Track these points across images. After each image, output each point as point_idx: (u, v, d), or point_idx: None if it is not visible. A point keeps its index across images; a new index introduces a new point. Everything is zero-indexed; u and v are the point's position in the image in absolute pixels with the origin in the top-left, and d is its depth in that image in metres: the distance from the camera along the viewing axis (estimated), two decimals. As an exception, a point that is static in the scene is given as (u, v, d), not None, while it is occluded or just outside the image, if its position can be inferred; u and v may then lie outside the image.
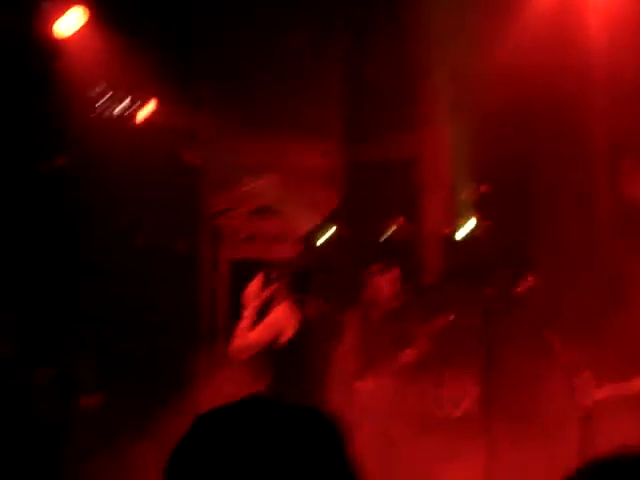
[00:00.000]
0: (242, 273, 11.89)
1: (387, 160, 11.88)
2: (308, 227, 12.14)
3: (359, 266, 9.84)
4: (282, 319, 7.50)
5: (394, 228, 11.38)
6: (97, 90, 10.48)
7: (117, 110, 10.62)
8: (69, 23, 9.39)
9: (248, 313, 7.53)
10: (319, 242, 11.82)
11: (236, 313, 11.51)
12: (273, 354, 7.46)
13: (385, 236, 11.24)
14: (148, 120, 10.80)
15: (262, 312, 7.70)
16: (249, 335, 7.42)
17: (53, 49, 9.59)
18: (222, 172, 12.02)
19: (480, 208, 10.69)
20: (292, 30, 11.50)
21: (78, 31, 9.51)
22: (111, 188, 10.39)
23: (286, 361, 7.43)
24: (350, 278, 9.76)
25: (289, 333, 7.47)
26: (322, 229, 11.94)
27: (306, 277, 7.79)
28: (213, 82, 11.82)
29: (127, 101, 10.67)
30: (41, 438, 4.43)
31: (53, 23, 9.36)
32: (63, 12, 9.35)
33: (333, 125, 12.13)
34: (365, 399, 8.46)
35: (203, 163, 11.77)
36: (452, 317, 9.05)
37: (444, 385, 9.18)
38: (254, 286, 7.67)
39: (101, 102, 10.51)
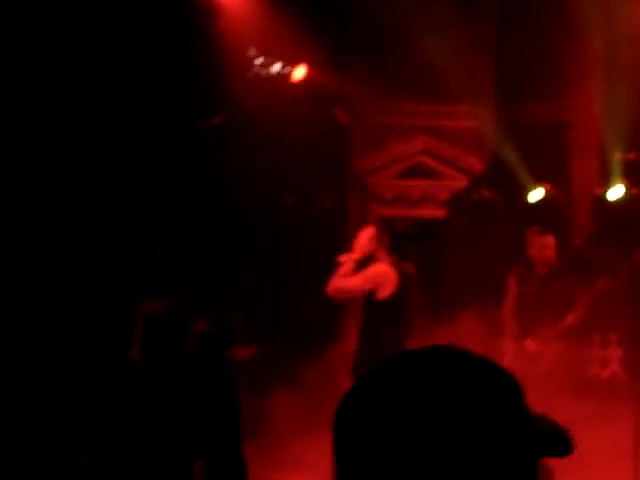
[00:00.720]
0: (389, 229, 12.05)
1: (538, 123, 11.79)
2: (456, 189, 12.18)
3: (510, 229, 9.90)
4: (382, 274, 7.67)
5: (544, 191, 11.30)
6: (254, 51, 10.70)
7: (272, 71, 10.82)
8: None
9: (351, 259, 7.69)
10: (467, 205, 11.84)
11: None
12: (371, 306, 7.66)
13: (535, 199, 11.17)
14: (301, 82, 10.97)
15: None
16: (350, 279, 7.61)
17: (214, 8, 9.82)
18: (371, 133, 12.13)
19: (628, 175, 10.58)
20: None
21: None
22: (265, 147, 10.62)
23: (381, 315, 7.61)
24: (506, 240, 9.82)
25: (387, 290, 7.63)
26: (470, 192, 11.95)
27: (407, 241, 7.89)
28: (366, 45, 11.91)
29: (282, 63, 10.86)
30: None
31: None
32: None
33: (484, 88, 12.09)
34: (525, 359, 8.54)
35: (353, 123, 11.90)
36: (608, 281, 9.04)
37: (592, 348, 9.16)
38: (364, 238, 7.81)
39: (257, 63, 10.72)
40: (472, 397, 1.33)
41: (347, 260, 7.77)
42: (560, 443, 3.34)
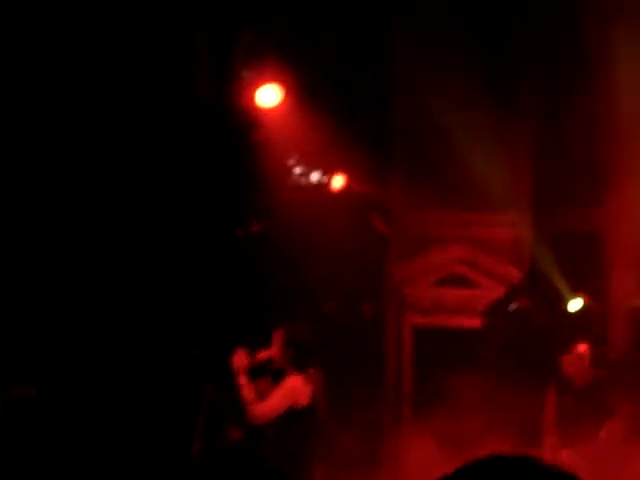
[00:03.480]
0: (425, 339, 12.06)
1: (575, 231, 11.83)
2: (493, 299, 12.18)
3: (546, 340, 9.87)
4: (298, 388, 7.62)
5: (580, 302, 11.29)
6: (293, 160, 10.88)
7: (311, 180, 10.97)
8: (269, 95, 9.78)
9: (244, 381, 7.61)
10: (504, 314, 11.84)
11: (420, 376, 11.71)
12: (289, 419, 7.61)
13: (574, 309, 11.16)
14: (340, 190, 11.12)
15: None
16: (270, 401, 7.54)
17: (255, 120, 10.01)
18: (409, 241, 12.22)
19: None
20: (483, 104, 11.66)
21: (277, 103, 9.89)
22: (304, 255, 10.70)
23: (297, 427, 7.57)
24: (539, 352, 9.78)
25: (303, 402, 7.61)
26: (507, 301, 11.95)
27: (307, 352, 7.82)
28: (404, 155, 12.09)
29: (321, 172, 11.02)
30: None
31: (253, 95, 9.77)
32: (263, 84, 9.73)
33: (521, 196, 12.18)
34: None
35: (391, 232, 12.00)
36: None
37: (633, 460, 9.01)
38: (240, 358, 7.75)
39: (297, 172, 10.89)
40: None
41: (243, 385, 7.72)
42: None
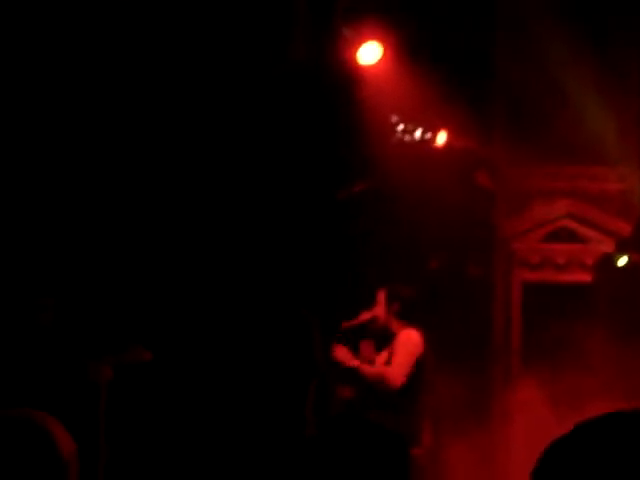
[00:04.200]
0: (535, 295, 11.90)
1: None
2: (601, 254, 11.96)
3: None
4: (416, 340, 7.47)
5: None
6: (396, 118, 10.78)
7: (415, 137, 10.88)
8: (371, 53, 9.70)
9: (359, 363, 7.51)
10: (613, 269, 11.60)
11: (529, 333, 11.58)
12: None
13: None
14: (444, 147, 11.00)
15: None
16: (399, 359, 7.38)
17: (357, 77, 9.95)
18: (515, 197, 12.05)
19: None
20: (589, 56, 11.40)
21: (378, 61, 9.80)
22: (407, 213, 10.64)
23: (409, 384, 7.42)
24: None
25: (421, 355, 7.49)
26: (615, 256, 11.71)
27: (412, 307, 7.65)
28: (507, 109, 11.90)
29: (424, 129, 10.91)
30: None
31: (354, 53, 9.70)
32: (365, 41, 9.66)
33: (630, 149, 11.90)
34: None
35: (497, 188, 11.84)
36: None
37: None
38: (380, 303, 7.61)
39: (400, 129, 10.80)
40: None
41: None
42: None
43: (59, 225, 8.68)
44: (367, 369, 7.42)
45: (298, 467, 4.78)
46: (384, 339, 7.73)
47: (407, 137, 10.84)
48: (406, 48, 10.07)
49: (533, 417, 8.85)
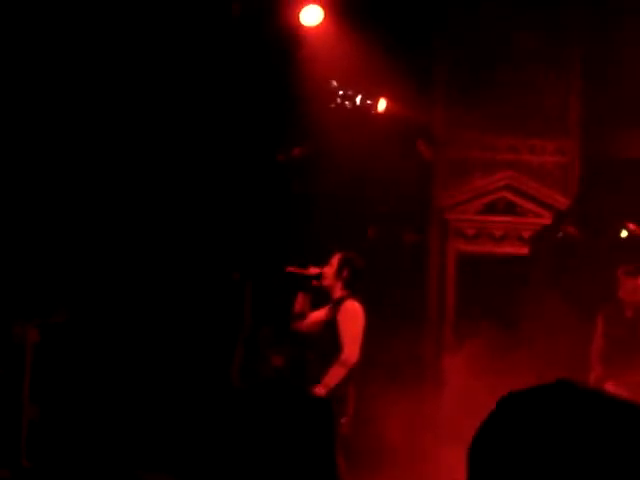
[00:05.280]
0: (470, 266, 11.88)
1: (625, 157, 11.54)
2: (538, 226, 11.97)
3: (596, 268, 9.66)
4: (362, 315, 7.57)
5: (629, 230, 11.03)
6: (336, 83, 10.66)
7: (354, 103, 10.77)
8: (312, 14, 9.57)
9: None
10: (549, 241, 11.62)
11: (462, 303, 11.59)
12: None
13: (622, 237, 10.90)
14: (384, 113, 10.90)
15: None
16: (356, 337, 7.48)
17: (296, 38, 9.81)
18: (454, 167, 12.00)
19: None
20: (531, 27, 11.36)
21: (320, 24, 9.67)
22: (345, 179, 10.54)
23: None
24: (588, 281, 9.59)
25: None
26: (554, 228, 11.71)
27: (360, 278, 7.74)
28: (448, 78, 11.83)
29: (364, 95, 10.80)
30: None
31: (297, 14, 9.57)
32: (306, 3, 9.54)
33: (570, 121, 11.89)
34: None
35: (435, 156, 11.78)
36: None
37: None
38: (332, 266, 7.68)
39: (339, 95, 10.68)
40: (619, 435, 1.31)
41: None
42: None
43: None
44: (332, 380, 7.44)
45: (221, 425, 4.71)
46: (319, 298, 7.78)
47: (347, 103, 10.73)
48: (348, 12, 9.94)
49: (464, 386, 8.83)
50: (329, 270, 7.69)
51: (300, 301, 7.80)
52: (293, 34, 9.72)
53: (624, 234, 10.92)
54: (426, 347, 11.23)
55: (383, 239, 11.28)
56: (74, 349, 8.17)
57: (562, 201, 11.93)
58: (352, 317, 7.51)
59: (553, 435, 1.30)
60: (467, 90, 11.62)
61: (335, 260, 7.74)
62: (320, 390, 7.19)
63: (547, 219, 11.88)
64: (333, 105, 10.74)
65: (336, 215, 10.62)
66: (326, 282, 7.67)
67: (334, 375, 7.41)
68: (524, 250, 11.87)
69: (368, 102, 10.86)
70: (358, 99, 10.77)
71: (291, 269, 7.76)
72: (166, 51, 9.20)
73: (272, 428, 4.62)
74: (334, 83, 10.76)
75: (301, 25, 9.59)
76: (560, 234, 11.37)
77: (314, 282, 7.69)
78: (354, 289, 7.65)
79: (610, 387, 8.59)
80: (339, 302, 7.61)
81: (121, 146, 9.20)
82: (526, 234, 12.00)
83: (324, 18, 9.67)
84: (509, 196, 12.06)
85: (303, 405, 4.56)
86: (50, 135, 8.78)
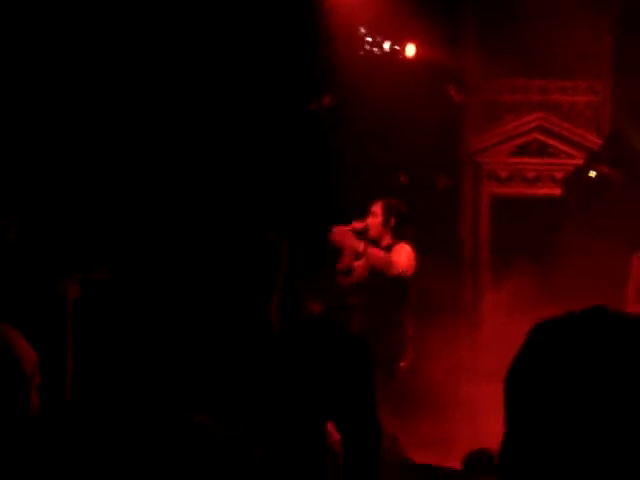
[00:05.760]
0: (503, 208, 11.90)
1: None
2: (571, 167, 11.93)
3: (631, 207, 9.65)
4: (413, 256, 7.54)
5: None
6: (364, 29, 10.64)
7: (383, 49, 10.74)
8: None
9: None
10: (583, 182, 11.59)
11: (497, 245, 11.61)
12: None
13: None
14: (413, 59, 10.88)
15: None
16: (407, 256, 7.44)
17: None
18: (485, 110, 11.97)
19: None
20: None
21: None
22: (376, 126, 10.55)
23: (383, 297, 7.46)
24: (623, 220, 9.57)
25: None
26: (587, 168, 11.68)
27: (406, 223, 7.67)
28: (477, 21, 11.77)
29: (392, 41, 10.78)
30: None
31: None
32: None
33: (601, 62, 11.81)
34: None
35: (466, 100, 11.74)
36: None
37: None
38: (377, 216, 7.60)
39: (368, 41, 10.66)
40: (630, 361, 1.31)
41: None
42: None
43: (26, 147, 8.62)
44: (375, 251, 7.40)
45: (265, 368, 4.83)
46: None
47: (376, 49, 10.71)
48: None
49: (501, 326, 8.90)
50: (374, 220, 7.58)
51: (346, 256, 7.70)
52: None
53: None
54: (464, 289, 11.29)
55: (416, 185, 11.30)
56: (115, 306, 8.30)
57: (595, 141, 11.89)
58: (406, 255, 7.51)
59: (588, 362, 1.31)
60: (496, 32, 11.55)
61: (379, 209, 7.64)
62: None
63: (580, 159, 11.84)
64: (361, 52, 10.72)
65: (369, 163, 10.65)
66: (373, 233, 7.57)
67: (377, 256, 7.34)
68: (558, 191, 11.87)
69: (396, 48, 10.84)
70: (387, 45, 10.75)
71: (335, 227, 7.67)
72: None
73: (313, 365, 4.73)
74: (362, 30, 10.74)
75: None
76: (594, 174, 11.34)
77: (361, 236, 7.59)
78: (402, 235, 7.60)
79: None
80: (389, 248, 7.58)
81: (152, 106, 9.26)
82: (559, 175, 11.98)
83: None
84: (541, 137, 12.03)
85: (342, 343, 4.66)
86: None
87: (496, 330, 9.07)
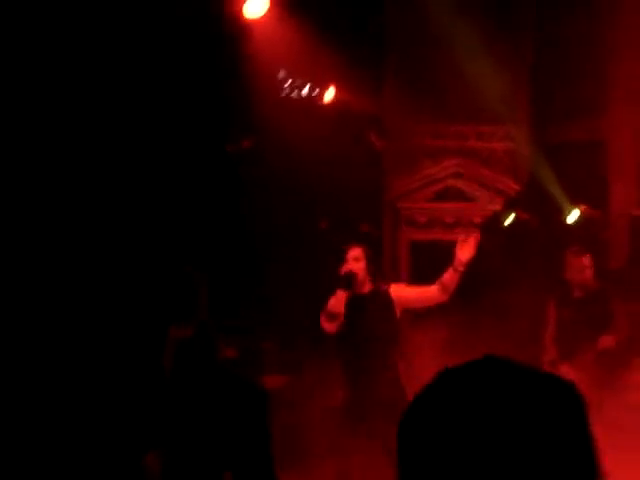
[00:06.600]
0: (422, 253, 11.93)
1: (574, 143, 11.63)
2: (489, 212, 12.03)
3: (546, 251, 9.72)
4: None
5: (580, 212, 11.12)
6: (282, 74, 10.63)
7: (302, 93, 10.75)
8: (256, 6, 9.51)
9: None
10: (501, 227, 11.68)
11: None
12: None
13: (572, 220, 10.99)
14: (332, 104, 10.89)
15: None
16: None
17: (241, 32, 9.76)
18: (404, 156, 12.03)
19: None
20: (479, 15, 11.40)
21: (264, 15, 9.62)
22: (294, 171, 10.52)
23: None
24: (539, 263, 9.63)
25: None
26: (504, 214, 11.78)
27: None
28: (397, 67, 11.85)
29: (311, 85, 10.78)
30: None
31: (241, 5, 9.51)
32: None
33: (519, 108, 11.97)
34: None
35: (386, 146, 11.80)
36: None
37: (633, 373, 8.93)
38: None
39: (287, 85, 10.65)
40: (539, 408, 1.32)
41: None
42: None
43: None
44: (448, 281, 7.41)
45: (154, 410, 4.73)
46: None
47: (295, 93, 10.70)
48: (294, 1, 9.91)
49: (423, 364, 8.87)
50: (357, 266, 7.47)
51: (339, 299, 7.50)
52: (239, 25, 9.67)
53: (575, 216, 11.00)
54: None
55: (336, 230, 11.27)
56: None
57: (512, 186, 12.01)
58: (403, 284, 7.50)
59: (471, 412, 1.31)
60: (415, 79, 11.66)
61: (359, 253, 7.54)
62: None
63: (498, 205, 11.95)
64: (281, 95, 10.71)
65: (288, 207, 10.60)
66: (359, 279, 7.48)
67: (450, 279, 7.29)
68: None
69: (317, 92, 10.84)
70: (306, 89, 10.75)
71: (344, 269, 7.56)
72: (108, 47, 9.12)
73: (210, 415, 4.64)
74: (282, 73, 10.73)
75: (246, 16, 9.54)
76: (511, 220, 11.44)
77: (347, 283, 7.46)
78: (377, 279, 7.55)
79: (564, 369, 8.67)
80: (376, 292, 7.47)
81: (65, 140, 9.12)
82: (477, 220, 12.06)
83: (269, 8, 9.62)
84: (458, 183, 12.12)
85: (240, 394, 4.59)
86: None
87: (409, 372, 9.03)
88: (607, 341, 8.64)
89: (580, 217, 10.93)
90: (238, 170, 10.49)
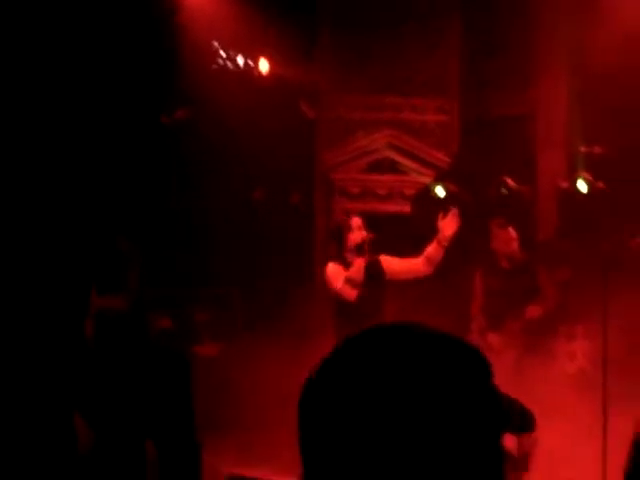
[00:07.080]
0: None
1: (503, 116, 11.79)
2: (421, 185, 12.14)
3: (476, 223, 9.86)
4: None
5: (508, 185, 11.29)
6: (216, 44, 10.63)
7: (237, 64, 10.75)
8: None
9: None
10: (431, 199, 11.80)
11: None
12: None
13: (500, 193, 11.16)
14: (266, 74, 10.92)
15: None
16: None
17: (174, 3, 9.74)
18: (337, 126, 12.09)
19: (593, 168, 10.58)
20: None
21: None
22: (228, 141, 10.55)
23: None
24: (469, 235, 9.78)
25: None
26: (435, 186, 11.90)
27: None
28: (331, 38, 11.89)
29: (246, 56, 10.80)
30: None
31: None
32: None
33: (449, 81, 12.09)
34: (490, 354, 8.43)
35: (318, 116, 11.85)
36: (572, 273, 9.02)
37: (558, 341, 9.15)
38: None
39: (221, 56, 10.65)
40: (441, 372, 1.31)
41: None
42: (523, 420, 3.37)
43: None
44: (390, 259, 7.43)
45: (81, 382, 4.76)
46: None
47: (229, 64, 10.71)
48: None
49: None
50: (362, 233, 7.52)
51: (359, 267, 7.50)
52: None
53: (503, 190, 11.17)
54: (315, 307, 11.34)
55: (270, 200, 11.34)
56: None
57: (443, 159, 12.14)
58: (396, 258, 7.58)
59: (372, 379, 1.29)
60: (349, 50, 11.71)
61: (362, 223, 7.58)
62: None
63: (429, 177, 12.07)
64: (215, 66, 10.71)
65: (222, 177, 10.63)
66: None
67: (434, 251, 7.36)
68: (407, 208, 12.06)
69: (250, 63, 10.86)
70: (240, 60, 10.76)
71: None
72: (41, 15, 9.05)
73: (128, 383, 4.67)
74: (216, 44, 10.72)
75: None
76: (442, 191, 11.57)
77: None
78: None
79: (492, 337, 8.86)
80: (370, 262, 7.51)
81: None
82: (409, 192, 12.18)
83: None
84: (391, 155, 12.21)
85: (158, 360, 4.64)
86: None
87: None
88: (534, 310, 8.86)
89: (508, 189, 11.11)
90: (172, 140, 10.48)
